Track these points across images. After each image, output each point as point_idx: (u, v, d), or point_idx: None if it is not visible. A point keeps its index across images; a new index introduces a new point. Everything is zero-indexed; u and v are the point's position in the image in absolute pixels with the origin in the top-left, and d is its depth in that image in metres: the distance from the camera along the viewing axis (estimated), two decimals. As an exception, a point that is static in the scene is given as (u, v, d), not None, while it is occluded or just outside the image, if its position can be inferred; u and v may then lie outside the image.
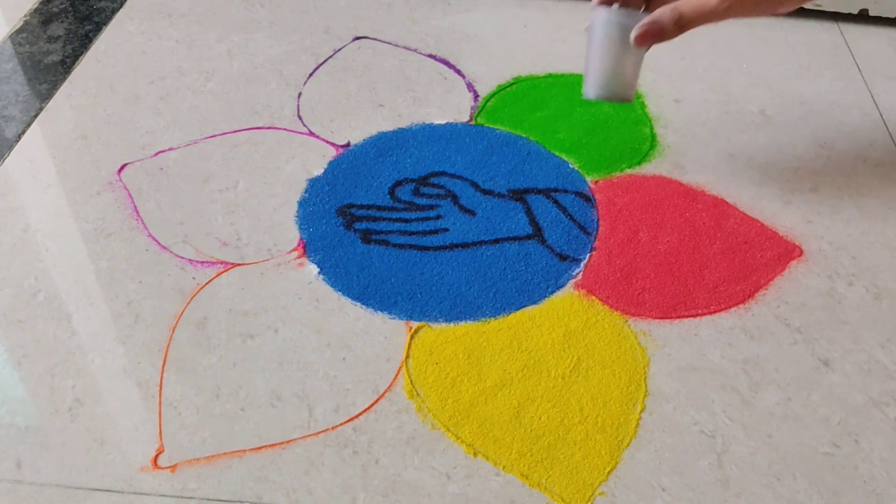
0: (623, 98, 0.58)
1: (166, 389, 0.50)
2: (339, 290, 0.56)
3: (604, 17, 0.55)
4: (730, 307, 0.56)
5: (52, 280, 0.57)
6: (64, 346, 0.53)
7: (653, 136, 0.70)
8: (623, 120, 0.71)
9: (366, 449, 0.48)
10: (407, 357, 0.52)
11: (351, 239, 0.60)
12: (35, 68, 0.76)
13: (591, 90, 0.57)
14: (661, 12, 0.53)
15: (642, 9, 0.56)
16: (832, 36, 0.83)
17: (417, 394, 0.50)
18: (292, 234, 0.60)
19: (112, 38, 0.80)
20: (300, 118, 0.70)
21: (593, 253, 0.59)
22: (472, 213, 0.62)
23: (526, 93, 0.74)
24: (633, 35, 0.54)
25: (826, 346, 0.54)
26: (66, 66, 0.76)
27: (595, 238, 0.60)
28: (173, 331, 0.54)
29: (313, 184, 0.64)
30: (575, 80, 0.75)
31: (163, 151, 0.67)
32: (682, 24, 0.53)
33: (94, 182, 0.64)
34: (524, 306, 0.56)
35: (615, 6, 0.55)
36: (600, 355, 0.53)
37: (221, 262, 0.58)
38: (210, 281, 0.57)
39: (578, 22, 0.83)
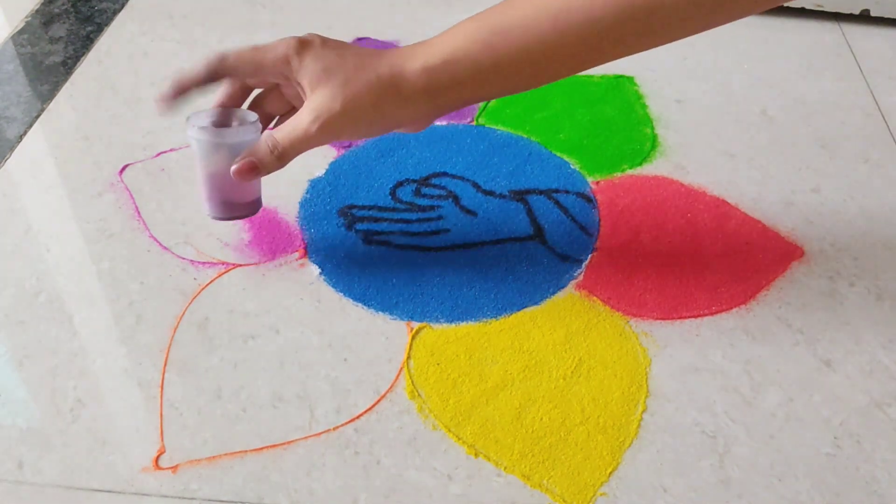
0: (248, 213, 0.55)
1: (168, 390, 0.50)
2: (341, 291, 0.56)
3: (198, 137, 0.50)
4: (731, 308, 0.56)
5: (54, 281, 0.57)
6: (65, 346, 0.53)
7: (654, 137, 0.70)
8: (624, 121, 0.71)
9: (367, 449, 0.48)
10: (408, 358, 0.52)
11: (352, 240, 0.60)
12: (36, 69, 0.76)
13: (208, 210, 0.54)
14: (259, 145, 0.49)
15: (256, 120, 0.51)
16: (834, 36, 0.82)
17: (419, 394, 0.50)
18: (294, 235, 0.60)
19: (113, 39, 0.80)
20: (301, 119, 0.70)
21: (594, 254, 0.59)
22: (473, 213, 0.62)
23: (527, 93, 0.74)
24: (232, 170, 0.49)
25: (828, 347, 0.54)
26: (67, 66, 0.76)
27: (596, 239, 0.60)
28: (175, 331, 0.54)
29: (314, 185, 0.64)
30: (576, 81, 0.75)
31: (164, 152, 0.67)
32: (281, 156, 0.49)
33: (95, 183, 0.64)
34: (525, 307, 0.56)
35: (210, 119, 0.51)
36: (602, 356, 0.53)
37: (223, 263, 0.58)
38: (211, 282, 0.57)
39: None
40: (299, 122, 0.48)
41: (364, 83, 0.46)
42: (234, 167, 0.49)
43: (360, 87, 0.46)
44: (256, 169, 0.49)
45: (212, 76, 0.49)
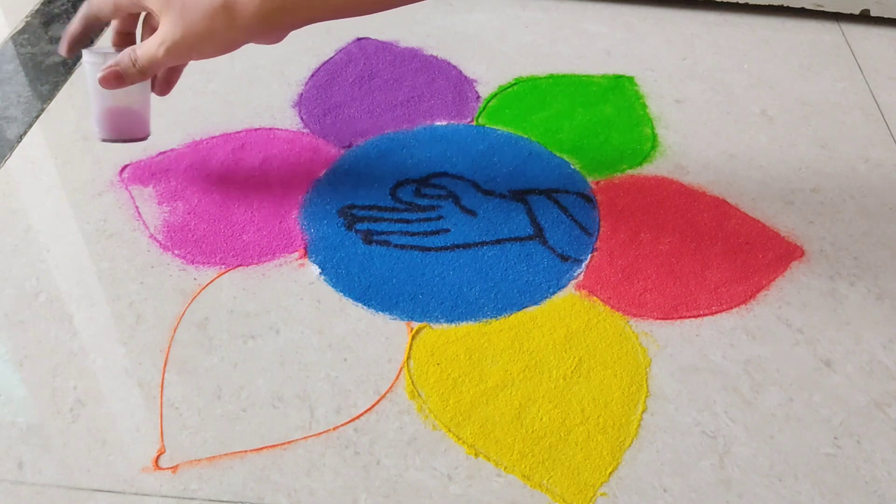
0: (134, 138, 0.59)
1: (168, 390, 0.50)
2: (341, 291, 0.56)
3: (85, 58, 0.56)
4: (731, 308, 0.56)
5: (54, 281, 0.57)
6: (65, 346, 0.53)
7: (654, 137, 0.70)
8: (624, 121, 0.71)
9: (367, 450, 0.48)
10: (408, 358, 0.52)
11: (352, 239, 0.60)
12: (36, 69, 0.76)
13: (97, 132, 0.58)
14: (123, 57, 0.54)
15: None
16: (833, 36, 0.82)
17: (419, 394, 0.50)
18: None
19: (113, 38, 0.80)
20: (302, 119, 0.70)
21: (594, 253, 0.59)
22: (473, 213, 0.62)
23: (527, 93, 0.74)
24: (98, 77, 0.54)
25: (828, 347, 0.54)
26: (67, 66, 0.76)
27: (596, 239, 0.60)
28: (175, 331, 0.54)
29: (315, 185, 0.64)
30: (576, 81, 0.75)
31: (164, 152, 0.67)
32: (141, 69, 0.54)
33: (95, 183, 0.64)
34: (525, 307, 0.56)
35: (96, 45, 0.56)
36: (602, 356, 0.53)
37: (223, 263, 0.58)
38: (211, 282, 0.57)
39: (579, 22, 0.83)
40: (151, 44, 0.53)
41: (199, 13, 0.51)
42: (99, 75, 0.54)
43: (195, 16, 0.51)
44: (120, 77, 0.54)
45: (88, 25, 0.56)
